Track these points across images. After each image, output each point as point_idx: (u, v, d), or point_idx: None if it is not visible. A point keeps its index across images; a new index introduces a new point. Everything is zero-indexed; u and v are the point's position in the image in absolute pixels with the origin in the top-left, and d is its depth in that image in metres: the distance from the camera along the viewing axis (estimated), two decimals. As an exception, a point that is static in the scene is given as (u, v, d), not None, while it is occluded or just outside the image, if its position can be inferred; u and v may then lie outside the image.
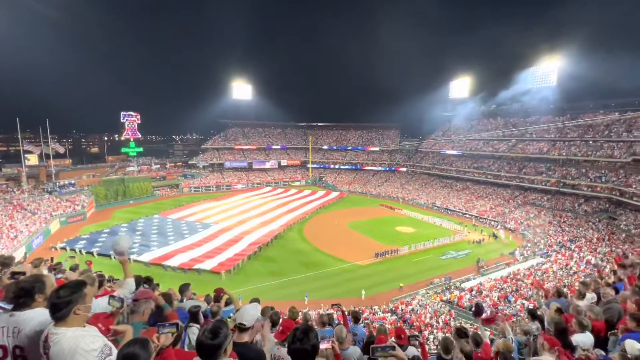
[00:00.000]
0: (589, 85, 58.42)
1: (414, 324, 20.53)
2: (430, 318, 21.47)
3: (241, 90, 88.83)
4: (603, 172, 45.19)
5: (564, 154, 51.14)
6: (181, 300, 6.14)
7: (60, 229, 42.46)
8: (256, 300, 5.26)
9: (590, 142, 49.35)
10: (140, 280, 5.93)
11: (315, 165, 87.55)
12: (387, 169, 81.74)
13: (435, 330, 19.49)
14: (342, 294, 26.98)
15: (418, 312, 22.65)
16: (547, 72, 61.49)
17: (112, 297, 3.35)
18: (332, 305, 6.52)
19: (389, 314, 22.55)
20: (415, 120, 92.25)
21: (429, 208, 58.14)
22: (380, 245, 37.74)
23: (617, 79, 54.03)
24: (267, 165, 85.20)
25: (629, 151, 42.70)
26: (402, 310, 23.19)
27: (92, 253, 32.77)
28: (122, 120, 72.19)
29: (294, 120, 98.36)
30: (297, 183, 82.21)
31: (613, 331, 4.45)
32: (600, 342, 4.43)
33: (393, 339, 4.68)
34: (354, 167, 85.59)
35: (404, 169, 79.67)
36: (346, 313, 6.09)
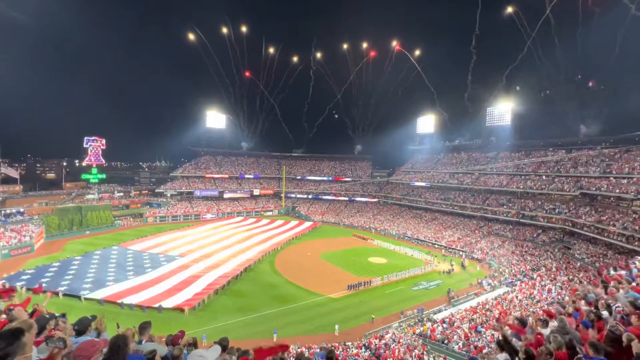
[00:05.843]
0: (539, 125, 64.84)
1: (388, 359, 19.94)
2: (404, 353, 20.98)
3: (215, 119, 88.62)
4: (557, 204, 48.88)
5: (521, 187, 54.98)
6: (139, 342, 5.58)
7: (0, 263, 38.01)
8: (224, 340, 4.93)
9: (544, 176, 53.66)
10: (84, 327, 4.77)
11: (288, 195, 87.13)
12: (360, 199, 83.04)
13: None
14: (315, 330, 25.89)
15: (392, 347, 22.09)
16: (503, 113, 67.71)
17: (49, 338, 2.95)
18: None
19: (363, 350, 21.80)
20: (386, 153, 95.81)
21: (401, 238, 59.01)
22: (353, 277, 37.27)
23: (561, 121, 60.85)
24: (239, 194, 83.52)
25: (577, 185, 46.84)
26: (375, 345, 22.53)
27: (36, 290, 29.32)
28: (85, 146, 68.53)
29: (267, 150, 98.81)
30: (270, 213, 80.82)
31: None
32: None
33: None
34: (327, 198, 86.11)
35: (375, 200, 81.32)
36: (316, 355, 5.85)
